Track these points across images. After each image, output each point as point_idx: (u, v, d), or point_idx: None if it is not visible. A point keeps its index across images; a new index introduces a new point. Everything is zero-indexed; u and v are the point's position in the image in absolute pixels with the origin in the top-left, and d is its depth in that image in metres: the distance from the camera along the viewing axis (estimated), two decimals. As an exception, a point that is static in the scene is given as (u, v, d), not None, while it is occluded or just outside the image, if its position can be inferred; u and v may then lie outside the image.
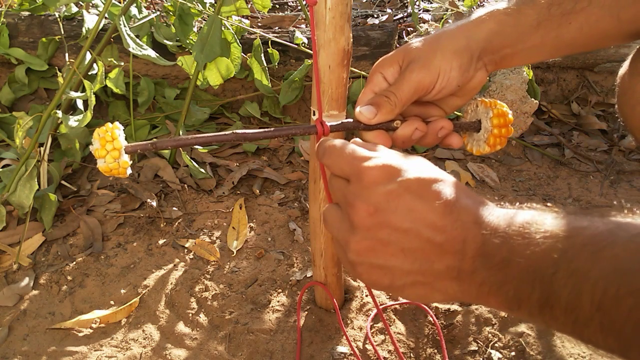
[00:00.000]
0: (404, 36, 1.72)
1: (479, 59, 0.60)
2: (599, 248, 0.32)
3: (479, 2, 1.58)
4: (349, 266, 0.44)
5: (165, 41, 1.34)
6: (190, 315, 0.98)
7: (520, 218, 0.37)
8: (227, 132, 0.54)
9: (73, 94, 1.15)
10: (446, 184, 0.41)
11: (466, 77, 0.60)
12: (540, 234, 0.35)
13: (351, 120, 0.61)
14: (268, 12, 1.55)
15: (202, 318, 0.98)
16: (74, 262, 1.08)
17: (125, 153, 0.52)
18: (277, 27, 1.69)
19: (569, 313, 0.33)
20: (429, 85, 0.59)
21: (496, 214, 0.39)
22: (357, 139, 0.50)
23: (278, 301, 1.01)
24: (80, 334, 0.94)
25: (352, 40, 0.63)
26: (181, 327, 0.96)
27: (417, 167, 0.42)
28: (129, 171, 0.53)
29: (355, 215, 0.41)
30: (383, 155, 0.43)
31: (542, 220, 0.36)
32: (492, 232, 0.37)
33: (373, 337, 0.94)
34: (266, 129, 0.55)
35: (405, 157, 0.44)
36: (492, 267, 0.37)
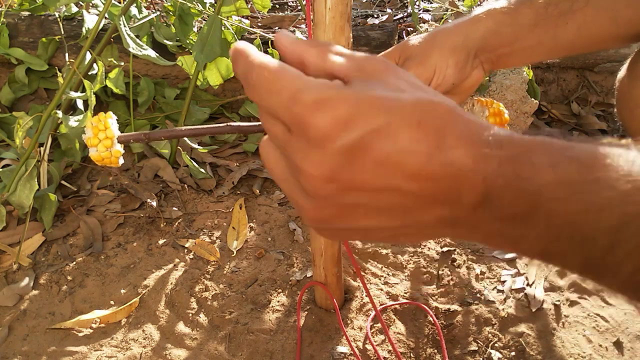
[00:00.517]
0: (404, 36, 1.72)
1: (476, 57, 0.60)
2: None
3: (478, 2, 1.59)
4: (309, 225, 0.34)
5: (165, 41, 1.34)
6: (190, 315, 0.98)
7: (560, 156, 0.27)
8: (221, 125, 0.52)
9: (73, 94, 1.15)
10: (427, 108, 0.29)
11: (462, 75, 0.60)
12: (605, 185, 0.26)
13: None
14: (268, 12, 1.55)
15: (202, 318, 0.98)
16: (74, 262, 1.08)
17: (118, 142, 0.52)
18: (277, 27, 1.69)
19: (632, 292, 0.27)
20: (425, 82, 0.59)
21: (514, 156, 0.28)
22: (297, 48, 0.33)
23: (278, 301, 1.01)
24: (80, 334, 0.94)
25: (352, 40, 0.63)
26: (181, 327, 0.96)
27: (384, 94, 0.28)
28: (121, 160, 0.53)
29: (307, 183, 0.30)
30: (331, 87, 0.29)
31: (604, 164, 0.26)
32: (503, 177, 0.28)
33: (373, 337, 0.94)
34: (261, 122, 0.54)
35: (365, 74, 0.30)
36: (505, 219, 0.29)
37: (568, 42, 0.59)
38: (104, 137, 0.51)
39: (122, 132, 0.55)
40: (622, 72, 0.65)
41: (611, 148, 0.27)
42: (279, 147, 0.33)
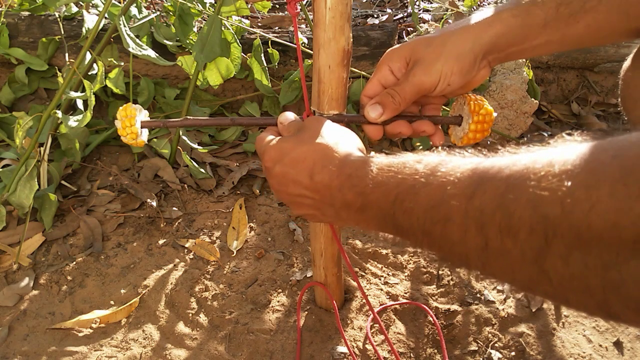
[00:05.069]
0: (404, 36, 1.72)
1: (483, 59, 0.62)
2: (416, 191, 0.44)
3: (479, 2, 1.58)
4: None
5: (165, 41, 1.34)
6: (190, 315, 0.98)
7: (369, 175, 0.49)
8: (226, 117, 0.68)
9: (73, 94, 1.15)
10: (309, 153, 0.55)
11: (467, 78, 0.62)
12: (381, 187, 0.48)
13: (340, 113, 0.67)
14: (268, 12, 1.55)
15: (202, 318, 0.98)
16: (74, 262, 1.08)
17: (141, 127, 0.65)
18: (277, 27, 1.69)
19: (412, 238, 0.47)
20: (430, 88, 0.62)
21: (350, 174, 0.51)
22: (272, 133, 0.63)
23: (278, 301, 1.01)
24: (80, 334, 0.94)
25: (352, 40, 0.63)
26: (181, 327, 0.96)
27: (293, 145, 0.56)
28: (145, 137, 0.67)
29: (272, 188, 0.61)
30: (269, 143, 0.59)
31: (382, 175, 0.48)
32: (348, 190, 0.51)
33: (373, 337, 0.94)
34: (260, 117, 0.61)
35: (291, 133, 0.60)
36: (356, 212, 0.51)
37: (576, 39, 0.60)
38: (129, 128, 0.64)
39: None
40: (627, 62, 0.65)
41: (389, 169, 0.48)
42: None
